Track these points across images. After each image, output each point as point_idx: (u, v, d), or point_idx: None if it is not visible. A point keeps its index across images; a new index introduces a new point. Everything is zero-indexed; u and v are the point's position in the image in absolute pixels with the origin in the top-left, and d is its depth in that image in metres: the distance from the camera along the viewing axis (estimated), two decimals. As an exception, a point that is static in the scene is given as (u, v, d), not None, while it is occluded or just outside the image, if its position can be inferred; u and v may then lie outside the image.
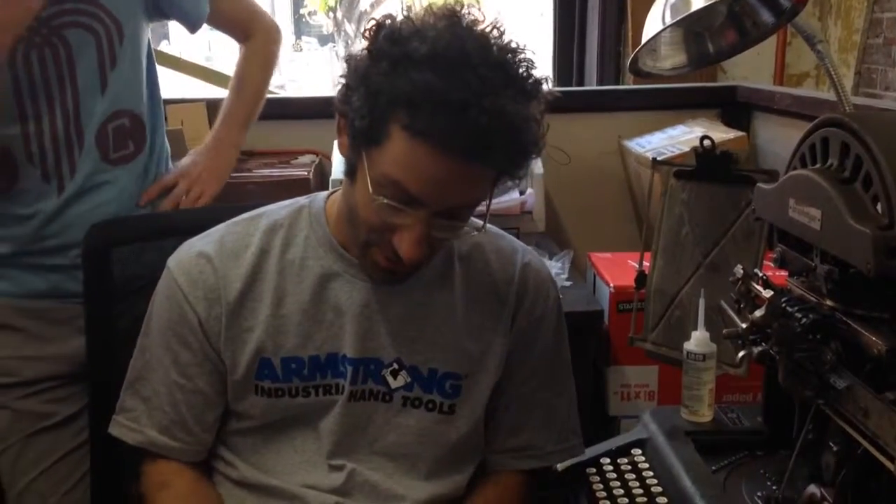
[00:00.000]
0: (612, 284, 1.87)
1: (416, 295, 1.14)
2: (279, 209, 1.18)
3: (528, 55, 1.02)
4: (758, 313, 1.03)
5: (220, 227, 1.18)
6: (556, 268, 1.89)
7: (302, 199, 1.19)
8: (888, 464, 0.88)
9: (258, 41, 1.67)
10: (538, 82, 1.02)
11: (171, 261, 1.16)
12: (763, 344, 1.04)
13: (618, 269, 1.94)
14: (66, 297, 1.46)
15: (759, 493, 1.09)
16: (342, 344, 1.13)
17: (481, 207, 1.09)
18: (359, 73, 1.01)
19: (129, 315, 1.26)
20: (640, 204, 2.32)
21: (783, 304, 1.02)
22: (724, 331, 1.08)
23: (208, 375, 1.14)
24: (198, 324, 1.13)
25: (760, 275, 1.09)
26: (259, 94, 1.67)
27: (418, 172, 0.99)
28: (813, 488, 1.03)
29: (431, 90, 0.95)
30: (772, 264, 1.17)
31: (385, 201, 1.01)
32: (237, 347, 1.13)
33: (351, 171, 1.07)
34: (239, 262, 1.14)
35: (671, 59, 1.45)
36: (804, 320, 0.98)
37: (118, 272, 1.28)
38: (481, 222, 1.11)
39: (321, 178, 2.11)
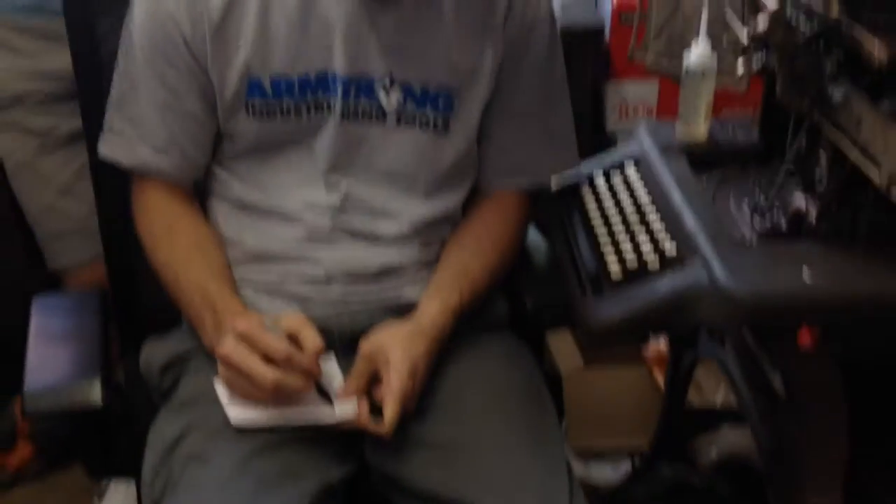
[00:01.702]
0: (615, -5, 1.79)
1: (405, 6, 1.10)
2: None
3: None
4: (760, 24, 1.00)
5: None
6: (557, -22, 1.80)
7: None
8: (874, 171, 0.89)
9: None
10: None
11: (150, -26, 1.11)
12: (764, 55, 1.02)
13: (622, -22, 1.85)
14: (51, 13, 1.42)
15: (746, 204, 1.11)
16: (332, 61, 1.11)
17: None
18: None
19: (115, 33, 1.22)
20: None
21: (787, 14, 0.98)
22: (724, 44, 1.05)
23: (197, 94, 1.13)
24: (183, 42, 1.10)
25: (768, -21, 1.04)
26: None
27: None
28: (799, 198, 1.05)
29: None
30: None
31: None
32: (224, 65, 1.11)
33: None
34: (219, -26, 1.08)
35: None
36: (808, 28, 0.95)
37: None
38: None
39: None
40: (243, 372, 1.01)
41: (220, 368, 1.04)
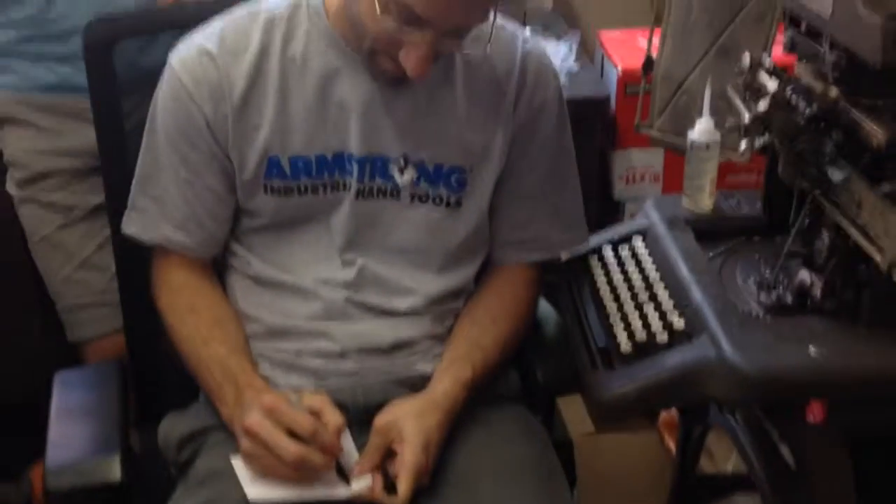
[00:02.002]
0: (620, 66, 1.84)
1: (419, 90, 1.14)
2: (277, 3, 1.15)
3: None
4: (761, 105, 1.03)
5: (217, 22, 1.16)
6: (564, 50, 1.85)
7: (300, -9, 1.16)
8: (875, 255, 0.91)
9: None
10: None
11: (173, 59, 1.15)
12: (766, 135, 1.05)
13: (627, 49, 1.90)
14: (76, 91, 1.47)
15: (752, 278, 1.14)
16: (348, 142, 1.14)
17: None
18: None
19: (139, 111, 1.26)
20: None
21: (787, 95, 1.01)
22: (727, 124, 1.08)
23: (217, 174, 1.16)
24: (205, 124, 1.14)
25: (767, 63, 1.08)
26: None
27: None
28: (804, 274, 1.07)
29: None
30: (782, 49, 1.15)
31: (392, 23, 1.01)
32: (245, 146, 1.14)
33: None
34: (240, 59, 1.13)
35: None
36: (807, 111, 0.98)
37: (121, 67, 1.27)
38: (488, 32, 1.09)
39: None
40: (268, 445, 1.03)
41: (244, 442, 1.06)
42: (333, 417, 1.05)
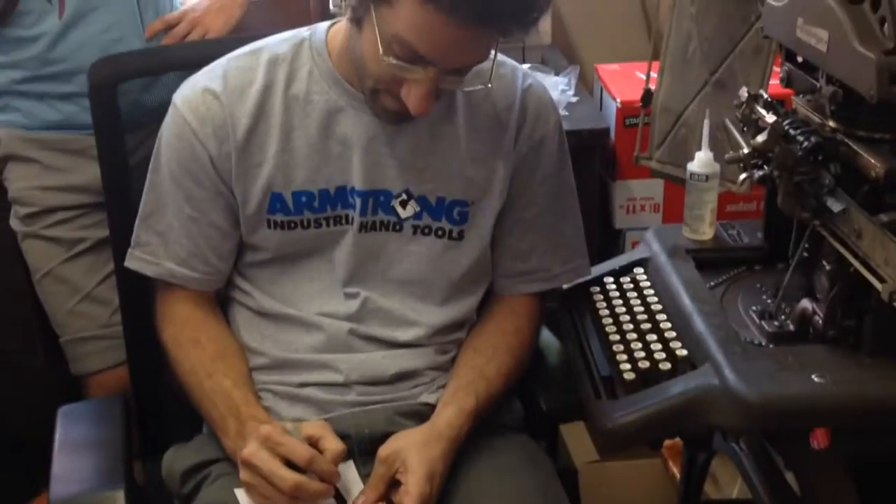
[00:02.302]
0: (618, 99, 1.86)
1: (421, 126, 1.15)
2: (280, 42, 1.17)
3: None
4: (760, 138, 1.04)
5: (220, 62, 1.18)
6: (563, 84, 1.87)
7: (303, 31, 1.18)
8: (876, 283, 0.92)
9: None
10: None
11: (178, 98, 1.17)
12: (765, 167, 1.06)
13: (625, 83, 1.92)
14: (79, 129, 1.49)
15: (754, 307, 1.14)
16: (350, 176, 1.16)
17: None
18: None
19: (142, 147, 1.28)
20: (650, 10, 2.26)
21: (785, 128, 1.03)
22: (726, 156, 1.10)
23: (221, 210, 1.17)
24: (209, 161, 1.15)
25: (765, 96, 1.09)
26: None
27: (428, 36, 0.99)
28: (806, 303, 1.08)
29: None
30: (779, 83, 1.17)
31: (395, 62, 1.02)
32: (248, 182, 1.16)
33: (357, 21, 1.06)
34: (244, 98, 1.14)
35: None
36: (805, 143, 1.00)
37: (125, 106, 1.29)
38: (489, 68, 1.10)
39: (320, -7, 2.05)
40: (264, 474, 1.03)
41: (242, 472, 1.06)
42: (332, 445, 1.06)
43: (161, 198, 1.19)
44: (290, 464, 1.04)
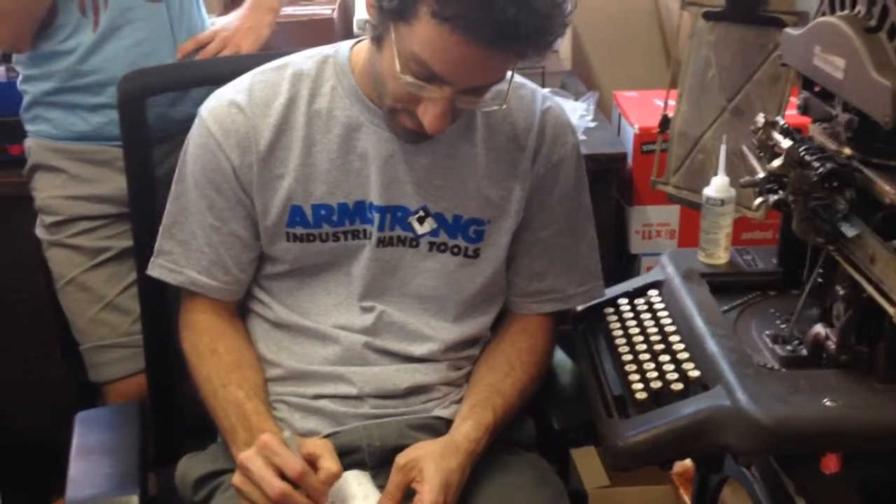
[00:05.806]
0: (636, 125, 1.88)
1: (439, 145, 1.17)
2: (304, 59, 1.20)
3: None
4: (776, 163, 1.06)
5: (247, 76, 1.20)
6: (581, 109, 1.89)
7: (326, 49, 1.20)
8: (889, 308, 0.93)
9: None
10: None
11: (203, 110, 1.19)
12: (780, 192, 1.07)
13: (643, 110, 1.94)
14: (107, 140, 1.53)
15: (767, 332, 1.15)
16: (369, 192, 1.18)
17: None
18: None
19: (168, 160, 1.30)
20: (669, 39, 2.29)
21: (801, 153, 1.04)
22: (742, 180, 1.11)
23: (242, 220, 1.19)
24: (231, 171, 1.17)
25: (781, 123, 1.11)
26: None
27: (445, 56, 1.01)
28: (819, 328, 1.09)
29: None
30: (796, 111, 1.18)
31: (411, 80, 1.04)
32: (269, 194, 1.18)
33: (377, 39, 1.08)
34: (268, 111, 1.17)
35: None
36: (821, 169, 1.01)
37: (153, 118, 1.32)
38: (505, 89, 1.11)
39: (345, 15, 2.09)
40: (255, 479, 1.03)
41: (235, 475, 1.07)
42: (328, 465, 1.05)
43: (185, 207, 1.21)
44: (285, 476, 1.04)
